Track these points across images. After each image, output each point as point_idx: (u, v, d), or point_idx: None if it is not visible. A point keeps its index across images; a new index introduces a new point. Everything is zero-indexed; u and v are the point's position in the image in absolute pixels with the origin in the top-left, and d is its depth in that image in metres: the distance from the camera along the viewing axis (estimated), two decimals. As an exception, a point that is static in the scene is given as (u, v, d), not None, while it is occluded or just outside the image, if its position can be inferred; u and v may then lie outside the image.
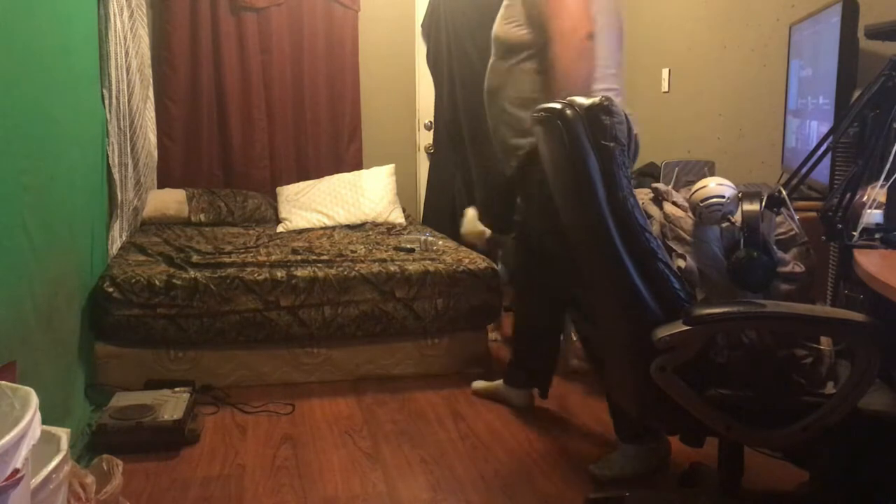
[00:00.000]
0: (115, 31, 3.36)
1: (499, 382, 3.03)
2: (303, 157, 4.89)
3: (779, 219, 1.91)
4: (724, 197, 1.84)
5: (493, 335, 3.69)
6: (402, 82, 5.07)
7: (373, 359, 3.28)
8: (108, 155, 3.29)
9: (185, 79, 4.63)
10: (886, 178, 1.74)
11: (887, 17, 2.31)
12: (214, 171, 4.74)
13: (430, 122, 4.98)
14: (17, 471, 1.15)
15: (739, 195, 1.85)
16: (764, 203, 1.78)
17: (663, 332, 1.58)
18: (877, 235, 1.77)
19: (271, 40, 4.73)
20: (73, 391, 2.65)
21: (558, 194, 1.83)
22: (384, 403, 3.01)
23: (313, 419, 2.85)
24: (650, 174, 3.53)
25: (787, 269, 1.88)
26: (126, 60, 3.59)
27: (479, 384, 3.12)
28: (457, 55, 4.03)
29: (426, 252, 3.53)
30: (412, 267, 3.29)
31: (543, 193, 2.28)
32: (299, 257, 3.35)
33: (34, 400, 1.30)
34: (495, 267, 3.43)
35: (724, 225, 1.89)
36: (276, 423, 2.80)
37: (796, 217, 1.94)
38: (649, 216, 1.98)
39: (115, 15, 3.36)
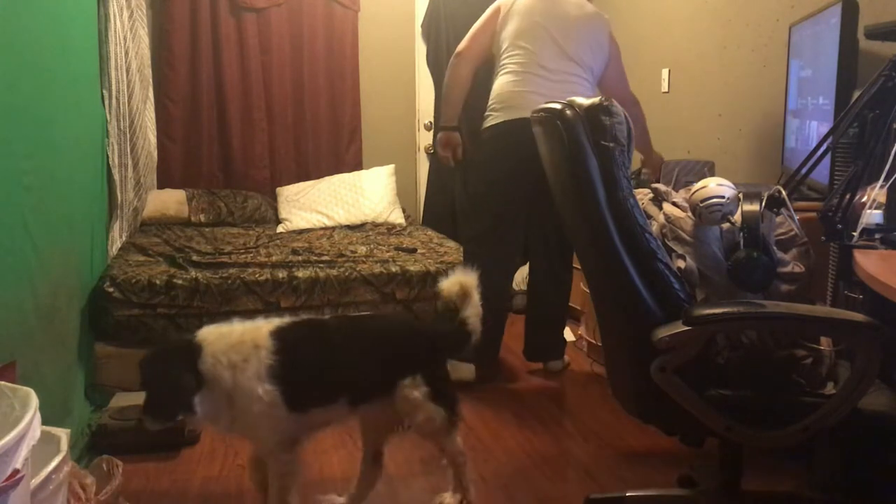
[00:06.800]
0: (115, 31, 3.36)
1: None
2: (303, 158, 4.88)
3: (779, 219, 1.91)
4: (724, 197, 1.84)
5: None
6: (402, 82, 5.07)
7: (373, 359, 3.27)
8: (108, 155, 3.29)
9: (185, 79, 4.63)
10: (886, 179, 1.74)
11: (887, 18, 2.31)
12: (214, 172, 4.74)
13: (430, 122, 4.99)
14: (16, 471, 1.15)
15: (739, 195, 1.84)
16: (764, 203, 1.78)
17: (663, 332, 1.58)
18: (877, 235, 1.77)
19: (271, 41, 4.73)
20: (73, 391, 2.65)
21: (558, 194, 1.83)
22: (384, 404, 3.00)
23: (313, 419, 2.84)
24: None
25: (787, 269, 1.88)
26: (126, 61, 3.59)
27: None
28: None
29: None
30: (413, 268, 3.29)
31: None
32: (300, 258, 3.35)
33: (34, 400, 1.30)
34: None
35: (724, 225, 1.89)
36: (276, 424, 2.80)
37: (796, 217, 1.93)
38: (649, 216, 1.98)
39: (114, 15, 3.36)
